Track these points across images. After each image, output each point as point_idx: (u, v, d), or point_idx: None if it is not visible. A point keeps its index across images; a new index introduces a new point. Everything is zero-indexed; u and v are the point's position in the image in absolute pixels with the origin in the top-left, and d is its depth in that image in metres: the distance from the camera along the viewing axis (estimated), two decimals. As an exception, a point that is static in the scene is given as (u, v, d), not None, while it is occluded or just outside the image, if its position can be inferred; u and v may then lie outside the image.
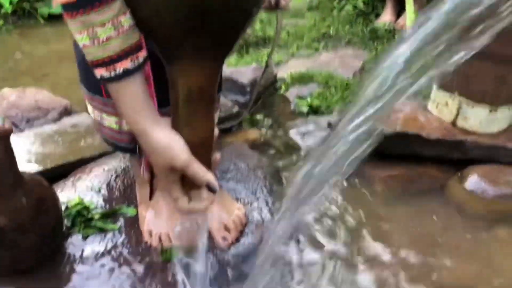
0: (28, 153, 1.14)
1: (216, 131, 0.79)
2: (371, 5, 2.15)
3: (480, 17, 0.54)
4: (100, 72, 0.59)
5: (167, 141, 0.63)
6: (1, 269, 0.83)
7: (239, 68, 1.54)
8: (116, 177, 1.07)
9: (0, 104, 1.35)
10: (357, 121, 0.61)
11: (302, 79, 1.58)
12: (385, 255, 0.93)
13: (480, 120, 1.11)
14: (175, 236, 0.90)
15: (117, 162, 1.11)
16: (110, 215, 0.96)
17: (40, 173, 1.04)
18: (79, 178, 1.06)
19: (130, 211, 0.97)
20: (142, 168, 0.91)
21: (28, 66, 1.92)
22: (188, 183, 0.67)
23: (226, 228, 0.92)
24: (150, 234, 0.91)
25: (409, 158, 1.12)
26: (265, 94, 1.52)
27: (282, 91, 1.54)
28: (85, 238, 0.91)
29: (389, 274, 0.89)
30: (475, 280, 0.88)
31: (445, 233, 0.99)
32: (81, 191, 1.02)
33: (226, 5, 0.58)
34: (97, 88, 0.77)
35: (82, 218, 0.94)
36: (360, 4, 2.12)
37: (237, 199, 1.01)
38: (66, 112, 1.38)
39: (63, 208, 0.92)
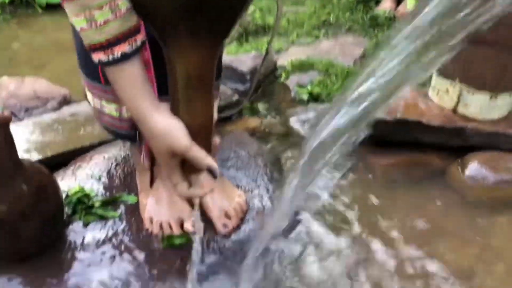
0: (27, 142, 1.14)
1: (215, 116, 0.79)
2: (371, -8, 2.13)
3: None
4: (98, 56, 0.59)
5: (167, 125, 0.62)
6: (2, 257, 0.83)
7: (239, 56, 1.53)
8: (117, 165, 1.07)
9: (-1, 93, 1.35)
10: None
11: (302, 66, 1.57)
12: (386, 242, 0.93)
13: (480, 107, 1.10)
14: (175, 223, 0.91)
15: (117, 150, 1.10)
16: (110, 202, 0.97)
17: (40, 161, 1.04)
18: (79, 167, 1.06)
19: (130, 199, 0.97)
20: (142, 156, 0.91)
21: (27, 55, 1.91)
22: (188, 169, 0.66)
23: (227, 215, 0.92)
24: (151, 222, 0.91)
25: (410, 145, 1.12)
26: (265, 82, 1.51)
27: (282, 79, 1.53)
28: (86, 225, 0.91)
29: (389, 258, 0.89)
30: (475, 264, 0.89)
31: (446, 219, 0.99)
32: (81, 180, 1.02)
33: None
34: (96, 74, 0.77)
35: (83, 206, 0.94)
36: (360, -9, 2.10)
37: (237, 187, 1.01)
38: (65, 101, 1.37)
39: (63, 196, 0.92)
